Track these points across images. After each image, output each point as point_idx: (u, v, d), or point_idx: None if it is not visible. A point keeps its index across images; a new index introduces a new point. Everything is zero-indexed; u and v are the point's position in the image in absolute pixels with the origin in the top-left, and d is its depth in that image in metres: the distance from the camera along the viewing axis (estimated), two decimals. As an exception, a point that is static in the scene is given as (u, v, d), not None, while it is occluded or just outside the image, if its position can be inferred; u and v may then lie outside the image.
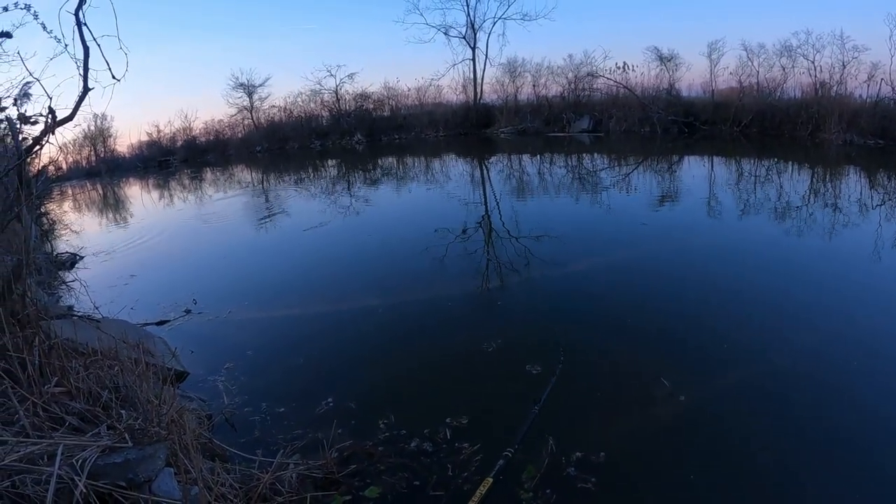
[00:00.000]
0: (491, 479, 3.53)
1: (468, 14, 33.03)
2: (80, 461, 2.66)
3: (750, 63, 24.81)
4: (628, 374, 5.00)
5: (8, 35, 3.27)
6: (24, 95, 4.89)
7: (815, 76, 22.21)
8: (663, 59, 27.16)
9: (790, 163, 16.97)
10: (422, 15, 39.01)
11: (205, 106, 68.88)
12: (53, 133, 4.03)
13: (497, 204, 13.17)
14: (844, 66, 21.16)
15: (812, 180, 14.01)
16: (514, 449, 3.83)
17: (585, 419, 4.37)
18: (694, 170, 16.94)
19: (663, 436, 4.18)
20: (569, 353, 5.30)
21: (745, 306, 6.34)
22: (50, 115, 3.85)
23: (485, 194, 14.88)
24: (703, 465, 3.74)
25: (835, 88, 21.42)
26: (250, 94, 36.89)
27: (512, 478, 3.68)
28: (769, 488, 3.52)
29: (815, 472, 3.65)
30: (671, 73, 27.22)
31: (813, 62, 22.25)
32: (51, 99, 3.96)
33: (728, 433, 4.07)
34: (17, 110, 4.47)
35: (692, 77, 34.71)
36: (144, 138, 36.69)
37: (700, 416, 4.36)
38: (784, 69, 23.78)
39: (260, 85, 36.98)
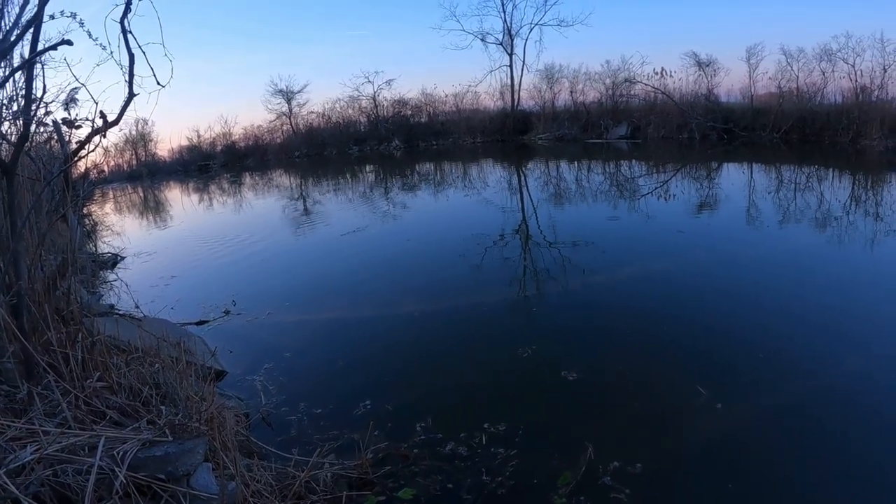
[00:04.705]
0: None
1: (505, 20, 33.10)
2: (120, 453, 2.70)
3: (789, 68, 24.08)
4: (664, 383, 4.89)
5: (69, 42, 3.35)
6: (71, 100, 5.03)
7: (856, 81, 21.61)
8: (701, 65, 26.62)
9: (831, 170, 16.44)
10: (459, 21, 39.64)
11: (244, 111, 70.15)
12: (104, 136, 4.12)
13: (534, 210, 13.08)
14: (885, 70, 20.58)
15: (854, 188, 13.61)
16: None
17: (625, 428, 4.29)
18: (733, 177, 16.51)
19: (700, 449, 4.06)
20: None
21: (784, 319, 6.06)
22: (101, 119, 3.94)
23: (521, 201, 14.80)
24: (738, 481, 3.60)
25: (876, 93, 20.84)
26: (289, 100, 37.22)
27: (547, 483, 3.65)
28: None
29: None
30: (709, 78, 26.65)
31: (853, 66, 21.65)
32: (97, 104, 4.05)
33: (765, 452, 3.89)
34: (68, 114, 4.59)
35: (731, 82, 34.07)
36: (185, 143, 37.43)
37: (738, 431, 4.20)
38: (824, 74, 23.07)
39: (299, 91, 37.32)
